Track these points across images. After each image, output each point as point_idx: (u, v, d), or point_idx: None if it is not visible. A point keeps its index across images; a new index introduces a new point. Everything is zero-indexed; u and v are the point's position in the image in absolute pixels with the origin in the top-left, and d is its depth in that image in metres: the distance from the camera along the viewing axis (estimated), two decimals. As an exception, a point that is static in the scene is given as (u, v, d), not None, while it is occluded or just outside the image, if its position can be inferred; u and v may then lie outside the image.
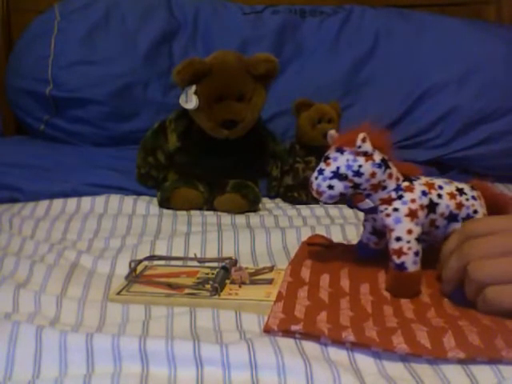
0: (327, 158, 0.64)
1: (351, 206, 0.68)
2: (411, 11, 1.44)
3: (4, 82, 1.36)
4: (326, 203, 0.96)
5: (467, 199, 0.68)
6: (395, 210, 0.65)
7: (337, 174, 0.63)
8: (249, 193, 1.00)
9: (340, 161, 0.63)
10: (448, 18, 1.40)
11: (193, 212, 0.99)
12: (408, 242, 0.64)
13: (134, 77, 1.29)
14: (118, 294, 0.65)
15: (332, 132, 0.66)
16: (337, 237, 0.83)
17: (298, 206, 1.03)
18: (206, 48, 1.32)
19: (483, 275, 0.58)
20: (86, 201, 1.00)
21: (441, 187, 0.68)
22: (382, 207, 0.65)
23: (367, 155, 0.63)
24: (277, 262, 0.76)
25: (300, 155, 1.12)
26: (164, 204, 1.00)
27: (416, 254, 0.64)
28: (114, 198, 1.01)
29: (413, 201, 0.65)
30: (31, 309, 0.61)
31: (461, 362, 0.52)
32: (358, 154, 0.63)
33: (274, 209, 1.03)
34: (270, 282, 0.67)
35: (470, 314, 0.59)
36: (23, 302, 0.62)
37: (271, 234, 0.84)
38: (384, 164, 0.65)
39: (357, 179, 0.64)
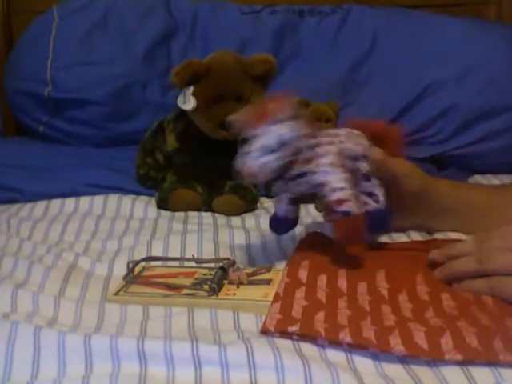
0: (246, 139, 0.64)
1: (275, 180, 0.69)
2: (410, 10, 1.43)
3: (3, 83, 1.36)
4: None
5: (359, 137, 0.72)
6: (318, 165, 0.66)
7: (263, 150, 0.63)
8: (247, 194, 1.00)
9: (261, 137, 0.64)
10: (447, 18, 1.40)
11: (190, 213, 0.99)
12: (342, 188, 0.65)
13: (132, 77, 1.29)
14: (116, 294, 0.65)
15: (232, 118, 0.67)
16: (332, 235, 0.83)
17: (295, 206, 1.03)
18: (204, 48, 1.31)
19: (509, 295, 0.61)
20: (85, 201, 1.00)
21: (337, 134, 0.70)
22: (305, 168, 0.67)
23: (283, 122, 0.64)
24: (273, 262, 0.76)
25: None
26: (162, 205, 1.00)
27: (355, 196, 0.66)
28: (113, 199, 1.01)
29: (327, 152, 0.67)
30: (29, 309, 0.61)
31: (459, 363, 0.52)
32: (278, 122, 0.64)
33: (271, 208, 1.02)
34: (267, 282, 0.67)
35: (470, 312, 0.59)
36: (21, 302, 0.62)
37: (267, 233, 0.84)
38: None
39: (283, 149, 0.64)
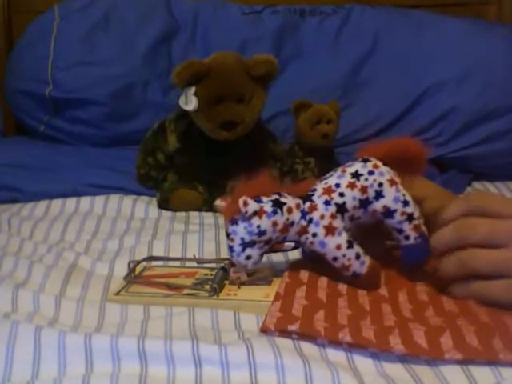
0: (228, 234, 0.63)
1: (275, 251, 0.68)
2: (411, 11, 1.44)
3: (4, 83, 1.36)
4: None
5: (366, 179, 0.65)
6: (314, 235, 0.63)
7: (245, 244, 0.62)
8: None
9: (240, 232, 0.62)
10: (448, 18, 1.40)
11: (191, 213, 0.99)
12: (344, 255, 0.63)
13: (133, 77, 1.29)
14: (117, 294, 0.65)
15: (218, 202, 0.65)
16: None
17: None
18: (205, 48, 1.32)
19: (479, 267, 0.58)
20: (85, 201, 1.00)
21: (337, 185, 0.65)
22: (302, 238, 0.64)
23: (257, 213, 0.62)
24: (274, 262, 0.76)
25: (299, 156, 1.12)
26: (163, 205, 1.00)
27: (357, 256, 0.64)
28: (114, 199, 1.01)
29: (322, 217, 0.63)
30: (30, 309, 0.61)
31: (459, 362, 0.52)
32: (250, 217, 0.62)
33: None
34: (268, 282, 0.67)
35: (469, 310, 0.59)
36: (22, 301, 0.62)
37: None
38: (278, 206, 0.63)
39: (264, 237, 0.62)
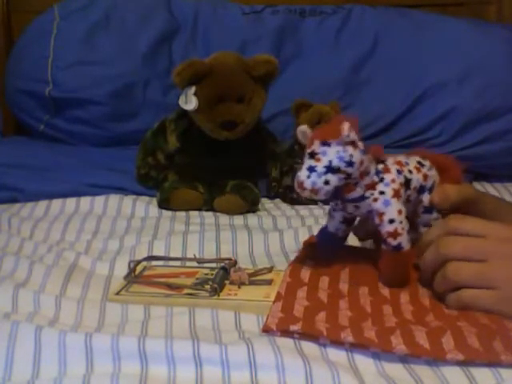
0: (314, 153, 0.62)
1: (334, 199, 0.67)
2: (411, 11, 1.44)
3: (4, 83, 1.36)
4: (321, 201, 0.96)
5: (429, 169, 0.70)
6: (381, 193, 0.65)
7: (330, 168, 0.62)
8: (248, 194, 1.00)
9: (330, 154, 0.62)
10: (448, 18, 1.40)
11: (191, 212, 0.99)
12: (400, 222, 0.64)
13: (133, 77, 1.29)
14: (117, 294, 0.65)
15: (303, 127, 0.65)
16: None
17: (296, 207, 1.03)
18: (205, 48, 1.32)
19: (460, 279, 0.60)
20: (86, 201, 1.00)
21: (407, 163, 0.68)
22: (367, 193, 0.65)
23: (354, 144, 0.63)
24: (275, 262, 0.76)
25: (299, 156, 1.12)
26: (163, 204, 1.00)
27: (408, 232, 0.65)
28: (114, 199, 1.01)
29: (393, 181, 0.65)
30: (30, 309, 0.61)
31: (460, 363, 0.52)
32: (346, 143, 0.62)
33: (272, 209, 1.03)
34: (269, 282, 0.67)
35: (470, 313, 0.59)
36: (22, 301, 0.62)
37: (269, 234, 0.84)
38: (365, 150, 0.64)
39: (349, 169, 0.62)
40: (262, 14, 1.39)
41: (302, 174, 0.62)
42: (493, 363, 0.51)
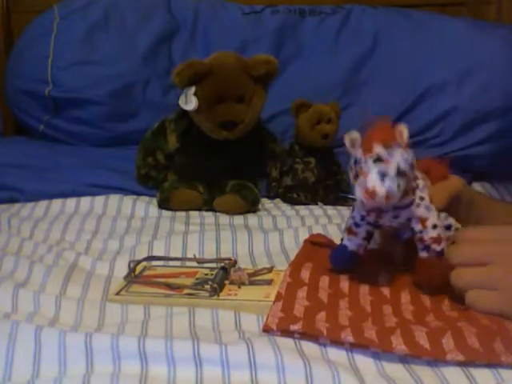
0: (380, 157, 0.58)
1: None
2: (411, 11, 1.44)
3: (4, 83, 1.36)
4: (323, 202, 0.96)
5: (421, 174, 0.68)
6: (421, 198, 0.63)
7: (399, 171, 0.58)
8: (248, 194, 1.00)
9: (396, 157, 0.58)
10: (448, 18, 1.41)
11: (191, 212, 0.99)
12: (441, 227, 0.64)
13: (133, 77, 1.29)
14: (117, 294, 0.65)
15: (354, 133, 0.61)
16: (336, 236, 0.83)
17: (296, 207, 1.03)
18: (205, 48, 1.32)
19: (463, 283, 0.60)
20: (85, 201, 1.00)
21: None
22: (410, 199, 0.63)
23: (408, 147, 0.61)
24: (275, 262, 0.76)
25: (299, 156, 1.12)
26: (163, 204, 1.00)
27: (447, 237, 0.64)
28: (114, 199, 1.01)
29: (424, 186, 0.65)
30: (30, 309, 0.61)
31: (460, 363, 0.52)
32: (406, 146, 0.60)
33: (272, 209, 1.03)
34: (269, 282, 0.67)
35: (470, 314, 0.59)
36: (22, 301, 0.62)
37: (269, 234, 0.84)
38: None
39: (411, 173, 0.60)
40: (261, 14, 1.39)
41: (372, 179, 0.57)
42: (493, 364, 0.51)
